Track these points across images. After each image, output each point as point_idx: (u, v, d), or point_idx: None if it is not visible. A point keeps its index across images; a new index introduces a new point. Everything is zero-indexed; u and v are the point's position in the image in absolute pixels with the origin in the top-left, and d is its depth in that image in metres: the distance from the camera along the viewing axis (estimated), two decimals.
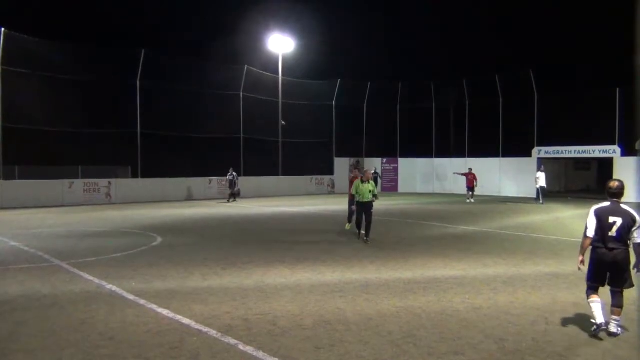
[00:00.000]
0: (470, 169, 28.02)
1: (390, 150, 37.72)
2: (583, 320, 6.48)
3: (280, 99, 34.02)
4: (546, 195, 25.73)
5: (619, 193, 5.99)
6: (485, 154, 33.47)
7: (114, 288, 8.03)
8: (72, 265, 9.80)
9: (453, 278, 8.85)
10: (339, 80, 36.16)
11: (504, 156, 32.95)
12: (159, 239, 13.28)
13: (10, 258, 10.76)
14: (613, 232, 5.84)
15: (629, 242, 5.86)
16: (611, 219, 5.86)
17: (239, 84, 31.95)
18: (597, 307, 5.94)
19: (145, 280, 8.61)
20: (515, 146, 32.36)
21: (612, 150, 28.67)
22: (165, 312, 6.76)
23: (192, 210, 22.24)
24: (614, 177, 27.98)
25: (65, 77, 25.96)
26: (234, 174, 26.97)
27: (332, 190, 35.47)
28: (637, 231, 5.82)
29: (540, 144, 31.39)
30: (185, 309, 6.86)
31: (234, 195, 27.10)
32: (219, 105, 31.57)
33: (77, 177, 28.54)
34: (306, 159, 35.85)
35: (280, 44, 33.33)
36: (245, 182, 30.80)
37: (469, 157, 34.35)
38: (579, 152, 30.35)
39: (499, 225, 16.64)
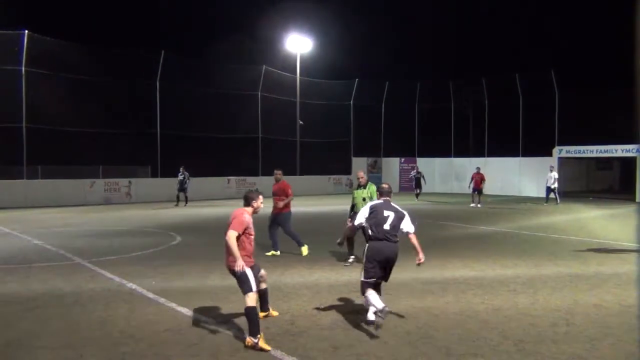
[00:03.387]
0: (478, 169, 25.20)
1: (409, 150, 37.56)
2: (605, 322, 6.38)
3: (298, 98, 34.07)
4: (549, 196, 24.80)
5: (388, 193, 6.85)
6: (505, 154, 33.13)
7: (134, 286, 8.13)
8: (93, 264, 9.95)
9: (472, 278, 8.78)
10: (357, 80, 36.12)
11: (524, 156, 32.58)
12: (178, 238, 13.41)
13: (33, 256, 10.96)
14: (387, 225, 6.41)
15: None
16: (385, 213, 6.49)
17: (257, 84, 32.09)
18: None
19: (165, 279, 8.71)
20: (535, 146, 31.96)
21: (635, 150, 28.15)
22: (184, 310, 6.82)
23: (211, 209, 22.39)
24: (638, 176, 27.49)
25: (87, 79, 26.36)
26: (186, 173, 23.70)
27: (349, 190, 35.41)
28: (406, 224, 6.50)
29: (561, 143, 30.98)
30: (204, 308, 6.91)
31: (185, 199, 23.60)
32: (237, 105, 31.75)
33: (98, 177, 28.93)
34: (324, 158, 35.87)
35: (298, 44, 33.41)
36: (264, 182, 30.91)
37: (488, 156, 34.04)
38: (600, 152, 29.86)
39: (518, 226, 16.46)
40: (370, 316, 6.21)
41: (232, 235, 5.79)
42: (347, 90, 36.08)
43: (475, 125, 38.52)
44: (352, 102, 36.41)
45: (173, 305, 7.09)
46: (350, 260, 10.03)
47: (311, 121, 34.50)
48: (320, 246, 12.04)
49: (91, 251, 11.50)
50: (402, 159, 37.26)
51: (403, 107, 37.43)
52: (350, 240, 9.80)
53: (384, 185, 6.97)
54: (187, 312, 6.76)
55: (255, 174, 31.56)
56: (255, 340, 5.49)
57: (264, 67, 32.28)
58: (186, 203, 23.69)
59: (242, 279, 5.78)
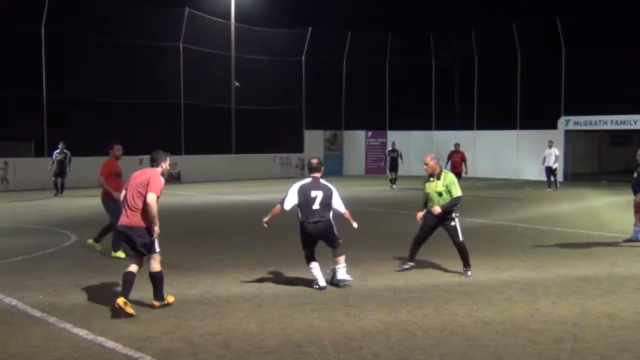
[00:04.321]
0: (457, 146, 25.39)
1: (377, 121, 37.92)
2: (619, 336, 6.69)
3: (233, 52, 33.80)
4: (551, 179, 25.48)
5: (317, 169, 8.75)
6: (499, 126, 33.92)
7: (14, 302, 7.98)
8: None
9: (457, 285, 9.01)
10: (310, 28, 36.04)
11: (522, 128, 33.43)
12: (73, 238, 13.17)
13: None
14: (316, 205, 8.48)
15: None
16: (313, 193, 8.50)
17: (177, 32, 31.51)
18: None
19: (56, 291, 8.55)
20: (537, 115, 32.80)
21: None
22: (82, 332, 6.75)
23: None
24: None
25: None
26: (66, 152, 23.02)
27: (301, 173, 35.48)
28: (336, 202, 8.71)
29: (568, 113, 31.93)
30: (109, 329, 6.84)
31: (61, 186, 23.04)
32: (151, 60, 31.16)
33: None
34: (268, 131, 35.80)
35: None
36: (187, 162, 30.61)
37: (477, 129, 34.80)
38: (616, 123, 30.94)
39: (515, 217, 16.96)
40: (322, 282, 8.65)
41: (154, 198, 7.46)
42: (298, 42, 36.01)
43: (462, 90, 39.20)
44: (304, 57, 36.37)
45: (67, 325, 7.01)
46: (407, 266, 9.92)
47: (250, 82, 34.29)
48: (262, 247, 12.05)
49: None
50: (369, 133, 37.63)
51: (371, 65, 37.67)
52: (417, 243, 9.90)
53: (314, 161, 8.72)
54: (87, 334, 6.69)
55: (177, 152, 31.12)
56: (165, 302, 7.66)
57: (186, 9, 31.74)
58: (62, 191, 22.95)
59: (154, 242, 7.60)
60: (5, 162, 25.82)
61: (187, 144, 31.55)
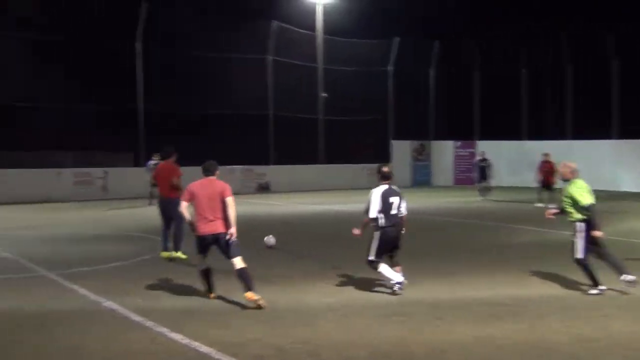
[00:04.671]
0: (546, 155, 24.10)
1: (466, 131, 37.25)
2: None
3: (320, 63, 34.06)
4: None
5: (391, 176, 9.08)
6: (595, 135, 32.60)
7: (115, 306, 8.30)
8: (63, 277, 10.16)
9: (553, 299, 8.71)
10: (397, 38, 35.90)
11: (621, 137, 32.02)
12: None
13: None
14: (394, 210, 8.81)
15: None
16: (391, 199, 8.83)
17: (265, 45, 32.14)
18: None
19: (153, 296, 8.86)
20: (637, 124, 31.30)
21: None
22: (178, 337, 6.94)
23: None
24: None
25: (48, 39, 26.72)
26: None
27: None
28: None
29: None
30: (203, 334, 7.02)
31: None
32: (240, 73, 31.89)
33: (67, 166, 29.29)
34: (355, 142, 35.81)
35: None
36: (276, 173, 31.09)
37: (573, 138, 33.56)
38: None
39: (617, 231, 16.23)
40: (399, 277, 8.74)
41: (234, 203, 8.44)
42: (385, 52, 35.92)
43: (554, 99, 37.95)
44: (390, 67, 36.25)
45: (164, 330, 7.22)
46: (596, 291, 8.83)
47: (337, 93, 34.48)
48: (351, 257, 12.07)
49: (59, 261, 11.73)
50: (458, 143, 36.99)
51: (458, 75, 37.10)
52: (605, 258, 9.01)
53: (387, 169, 9.04)
54: (182, 339, 6.87)
55: (266, 162, 31.72)
56: (256, 298, 8.06)
57: (274, 22, 32.33)
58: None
59: (235, 244, 8.42)
60: (105, 172, 27.02)
61: (275, 155, 32.06)
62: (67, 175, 26.41)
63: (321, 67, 34.11)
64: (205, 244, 8.54)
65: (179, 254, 11.66)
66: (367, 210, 8.78)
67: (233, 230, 8.39)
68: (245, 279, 8.26)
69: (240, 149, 31.18)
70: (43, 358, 6.34)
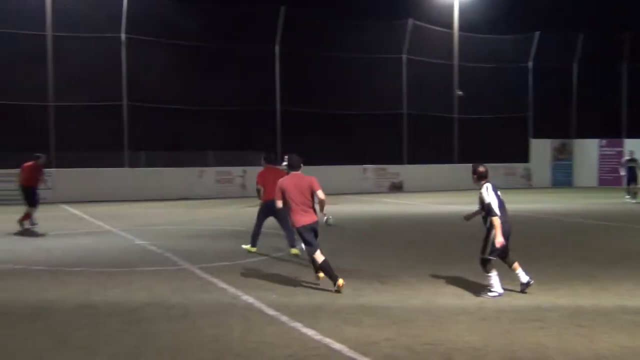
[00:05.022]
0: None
1: (612, 129, 35.13)
2: None
3: (456, 60, 33.50)
4: None
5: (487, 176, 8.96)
6: None
7: (251, 300, 8.61)
8: (204, 270, 10.70)
9: None
10: (537, 33, 34.49)
11: None
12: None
13: (135, 258, 12.08)
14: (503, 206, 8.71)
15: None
16: (500, 195, 8.77)
17: (401, 44, 32.05)
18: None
19: (287, 292, 9.10)
20: None
21: None
22: (311, 333, 7.08)
23: (343, 206, 22.84)
24: None
25: (194, 45, 28.29)
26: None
27: (528, 184, 34.10)
28: None
29: None
30: (335, 331, 7.12)
31: None
32: (375, 73, 32.03)
33: (208, 165, 30.89)
34: (491, 141, 34.88)
35: None
36: (409, 172, 30.94)
37: None
38: None
39: None
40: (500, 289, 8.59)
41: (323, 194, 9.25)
42: (524, 47, 34.66)
43: None
44: (530, 63, 34.89)
45: (297, 325, 7.39)
46: None
47: (473, 91, 33.75)
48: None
49: (201, 255, 12.36)
50: (603, 141, 34.95)
51: (604, 70, 35.06)
52: None
53: (482, 169, 8.97)
54: (315, 335, 7.00)
55: (400, 161, 31.65)
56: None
57: (410, 21, 32.14)
58: None
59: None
60: (244, 171, 28.13)
61: (409, 154, 31.90)
62: (209, 174, 27.78)
63: (457, 65, 33.51)
64: (307, 232, 9.11)
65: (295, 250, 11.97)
66: (488, 210, 8.62)
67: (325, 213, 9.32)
68: (327, 270, 9.14)
69: (373, 148, 31.33)
70: (185, 346, 6.70)
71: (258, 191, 12.32)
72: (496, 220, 8.52)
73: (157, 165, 29.27)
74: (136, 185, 26.26)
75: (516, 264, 8.87)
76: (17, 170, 16.82)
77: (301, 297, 8.84)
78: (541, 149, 34.51)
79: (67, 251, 13.08)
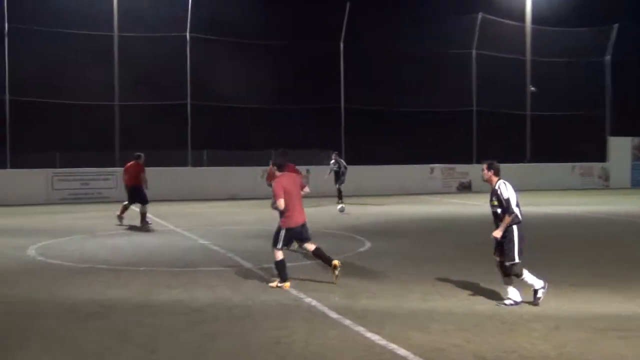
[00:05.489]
0: None
1: None
2: None
3: (529, 55, 32.78)
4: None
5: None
6: None
7: (314, 302, 8.59)
8: (265, 271, 10.75)
9: None
10: (615, 25, 33.31)
11: None
12: (367, 244, 13.84)
13: (199, 258, 12.27)
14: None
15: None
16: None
17: (470, 38, 31.54)
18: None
19: (350, 295, 9.04)
20: None
21: None
22: (375, 337, 7.00)
23: (409, 207, 22.69)
24: None
25: (258, 44, 28.60)
26: (340, 161, 24.33)
27: (605, 184, 33.03)
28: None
29: None
30: (401, 337, 7.01)
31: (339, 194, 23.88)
32: (443, 69, 31.65)
33: (266, 165, 31.11)
34: (565, 139, 33.98)
35: None
36: (478, 171, 30.39)
37: None
38: None
39: None
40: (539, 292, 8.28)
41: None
42: (600, 40, 33.53)
43: None
44: (607, 57, 33.73)
45: (361, 329, 7.32)
46: None
47: (546, 87, 32.96)
48: (562, 264, 11.42)
49: (263, 255, 12.41)
50: None
51: None
52: None
53: (498, 165, 8.80)
54: (379, 340, 6.92)
55: (468, 160, 31.16)
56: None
57: (480, 14, 31.57)
58: (340, 199, 24.01)
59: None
60: (307, 170, 28.18)
61: (478, 152, 31.36)
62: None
63: (529, 60, 32.75)
64: (296, 233, 9.57)
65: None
66: (506, 207, 8.38)
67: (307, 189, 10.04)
68: (322, 255, 9.70)
69: (441, 147, 30.96)
70: (247, 348, 6.73)
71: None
72: (509, 218, 8.33)
73: (220, 164, 29.69)
74: (200, 185, 26.74)
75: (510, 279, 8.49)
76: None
77: (365, 300, 8.76)
78: (620, 147, 33.32)
79: (131, 250, 13.39)
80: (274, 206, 9.61)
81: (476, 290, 9.31)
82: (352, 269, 10.97)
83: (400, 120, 32.51)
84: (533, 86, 32.99)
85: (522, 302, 8.29)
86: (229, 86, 28.82)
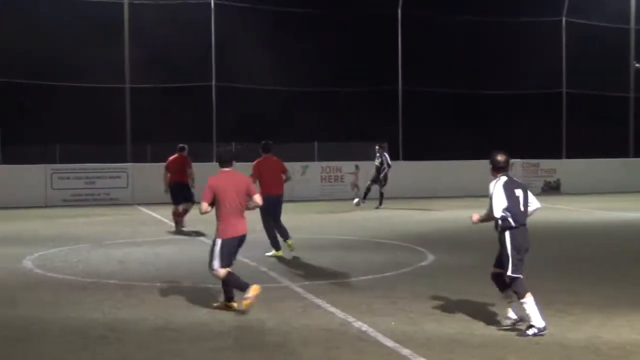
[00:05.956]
0: None
1: None
2: None
3: (633, 24, 32.21)
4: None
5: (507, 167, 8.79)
6: None
7: (365, 327, 8.59)
8: (306, 289, 10.82)
9: None
10: None
11: None
12: (430, 257, 13.80)
13: None
14: (522, 206, 8.45)
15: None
16: (517, 192, 8.48)
17: (558, 3, 31.17)
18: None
19: (409, 318, 9.03)
20: None
21: None
22: None
23: (480, 212, 22.47)
24: None
25: (296, 11, 28.64)
26: (385, 155, 24.17)
27: None
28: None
29: None
30: None
31: (380, 196, 24.22)
32: (524, 41, 31.34)
33: (312, 159, 31.18)
34: None
35: None
36: (568, 169, 30.05)
37: None
38: None
39: None
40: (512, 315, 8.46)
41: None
42: None
43: None
44: None
45: None
46: None
47: None
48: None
49: (303, 270, 12.53)
50: None
51: None
52: None
53: (500, 157, 8.74)
54: None
55: (556, 154, 30.80)
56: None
57: None
58: (381, 203, 23.99)
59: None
60: (357, 166, 28.22)
61: (568, 145, 31.00)
62: (314, 170, 28.05)
63: (634, 29, 32.20)
64: (234, 246, 9.38)
65: None
66: (490, 210, 8.54)
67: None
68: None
69: (520, 138, 30.66)
70: None
71: None
72: (486, 217, 8.74)
73: (250, 159, 29.80)
74: None
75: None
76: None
77: (428, 324, 8.74)
78: None
79: (144, 262, 13.60)
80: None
81: (568, 313, 9.22)
82: (411, 287, 10.94)
83: (470, 105, 32.31)
84: (638, 62, 32.43)
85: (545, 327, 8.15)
86: (261, 65, 29.00)
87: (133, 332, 8.55)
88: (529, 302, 8.13)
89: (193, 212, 16.34)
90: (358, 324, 8.78)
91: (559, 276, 11.81)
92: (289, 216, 22.05)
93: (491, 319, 8.93)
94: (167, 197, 18.42)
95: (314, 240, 16.70)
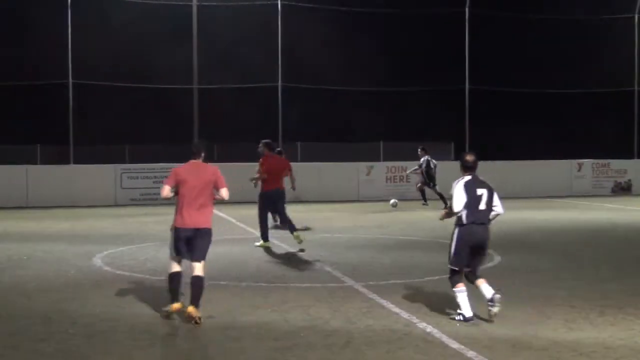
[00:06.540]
0: None
1: None
2: None
3: None
4: None
5: (475, 167, 9.25)
6: None
7: (429, 328, 8.57)
8: (371, 289, 10.82)
9: None
10: None
11: None
12: (497, 258, 13.64)
13: (289, 272, 12.54)
14: (482, 205, 8.92)
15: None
16: (479, 191, 8.94)
17: (632, 2, 30.50)
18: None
19: (475, 320, 8.96)
20: None
21: None
22: None
23: (549, 213, 22.18)
24: None
25: (363, 11, 28.64)
26: (427, 158, 24.35)
27: None
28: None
29: None
30: None
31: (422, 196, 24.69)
32: (594, 39, 30.78)
33: (377, 159, 31.13)
34: None
35: None
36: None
37: None
38: None
39: None
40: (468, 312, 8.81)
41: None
42: None
43: None
44: None
45: None
46: None
47: None
48: None
49: (368, 270, 12.53)
50: None
51: None
52: None
53: (469, 158, 9.25)
54: None
55: (628, 154, 30.14)
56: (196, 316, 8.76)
57: None
58: (445, 203, 23.61)
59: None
60: (420, 166, 27.99)
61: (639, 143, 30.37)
62: (379, 170, 27.97)
63: None
64: (183, 238, 9.16)
65: None
66: (451, 207, 9.02)
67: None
68: (199, 290, 8.98)
69: (591, 138, 30.09)
70: None
71: (256, 179, 14.98)
72: (447, 213, 9.35)
73: (315, 159, 29.93)
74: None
75: (480, 280, 9.07)
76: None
77: (493, 326, 8.66)
78: None
79: (209, 260, 13.71)
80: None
81: (634, 316, 9.05)
82: (476, 288, 10.85)
83: (539, 104, 31.84)
84: None
85: (473, 317, 8.82)
86: (327, 65, 29.07)
87: (198, 330, 8.66)
88: (460, 293, 8.86)
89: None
90: (422, 324, 8.75)
91: (629, 280, 11.53)
92: (354, 215, 22.21)
93: (556, 322, 8.82)
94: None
95: (379, 240, 16.72)
